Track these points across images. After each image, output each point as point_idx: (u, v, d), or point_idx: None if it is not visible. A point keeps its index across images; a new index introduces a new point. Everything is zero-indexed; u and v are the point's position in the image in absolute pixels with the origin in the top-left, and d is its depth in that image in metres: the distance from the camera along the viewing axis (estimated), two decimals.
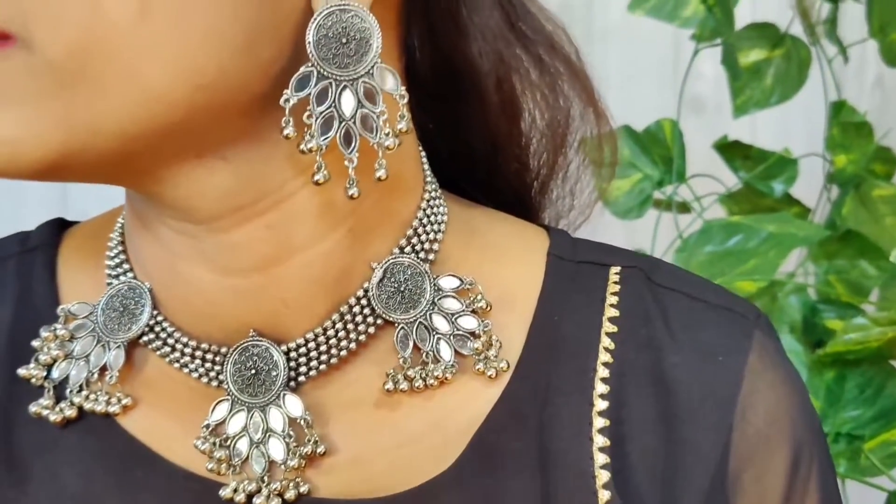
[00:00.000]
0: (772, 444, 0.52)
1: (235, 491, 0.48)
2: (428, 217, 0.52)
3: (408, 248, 0.51)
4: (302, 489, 0.49)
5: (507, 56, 0.56)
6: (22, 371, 0.51)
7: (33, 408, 0.51)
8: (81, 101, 0.42)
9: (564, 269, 0.55)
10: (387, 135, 0.45)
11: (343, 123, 0.44)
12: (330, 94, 0.44)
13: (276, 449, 0.49)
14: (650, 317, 0.53)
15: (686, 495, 0.50)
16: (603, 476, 0.49)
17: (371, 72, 0.45)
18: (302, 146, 0.44)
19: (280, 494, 0.48)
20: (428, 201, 0.52)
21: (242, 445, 0.49)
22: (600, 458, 0.50)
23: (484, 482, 0.49)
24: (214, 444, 0.49)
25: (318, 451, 0.49)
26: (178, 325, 0.51)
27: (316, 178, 0.45)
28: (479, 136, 0.58)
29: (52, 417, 0.50)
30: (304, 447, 0.49)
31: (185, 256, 0.49)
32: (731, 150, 1.03)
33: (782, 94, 1.03)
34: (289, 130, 0.44)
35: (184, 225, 0.48)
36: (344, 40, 0.44)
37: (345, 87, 0.45)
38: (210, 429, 0.49)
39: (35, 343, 0.52)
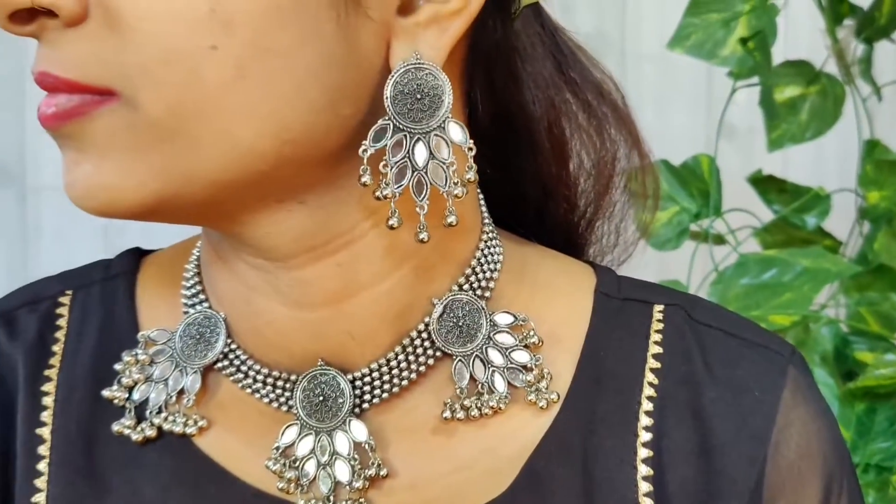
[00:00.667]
0: (804, 476, 0.55)
1: None
2: (485, 256, 0.56)
3: (466, 286, 0.55)
4: None
5: (558, 101, 0.59)
6: (106, 392, 0.55)
7: (116, 427, 0.55)
8: (178, 154, 0.46)
9: (610, 306, 0.58)
10: (455, 184, 0.49)
11: (416, 173, 0.48)
12: (404, 146, 0.48)
13: (342, 471, 0.52)
14: (690, 353, 0.56)
15: None
16: (646, 502, 0.53)
17: (442, 125, 0.49)
18: (378, 193, 0.48)
19: None
20: (486, 241, 0.56)
21: (310, 467, 0.53)
22: (644, 487, 0.53)
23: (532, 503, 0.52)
24: (284, 465, 0.53)
25: (381, 473, 0.52)
26: (251, 353, 0.54)
27: (390, 222, 0.48)
28: (531, 179, 0.61)
29: (134, 437, 0.54)
30: (369, 469, 0.52)
31: (259, 290, 0.53)
32: (765, 184, 1.06)
33: (816, 130, 1.05)
34: (366, 178, 0.48)
35: (260, 261, 0.52)
36: (418, 96, 0.48)
37: (418, 139, 0.49)
38: (280, 451, 0.53)
39: (117, 367, 0.56)
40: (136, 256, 0.61)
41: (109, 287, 0.60)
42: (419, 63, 0.48)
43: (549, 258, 0.60)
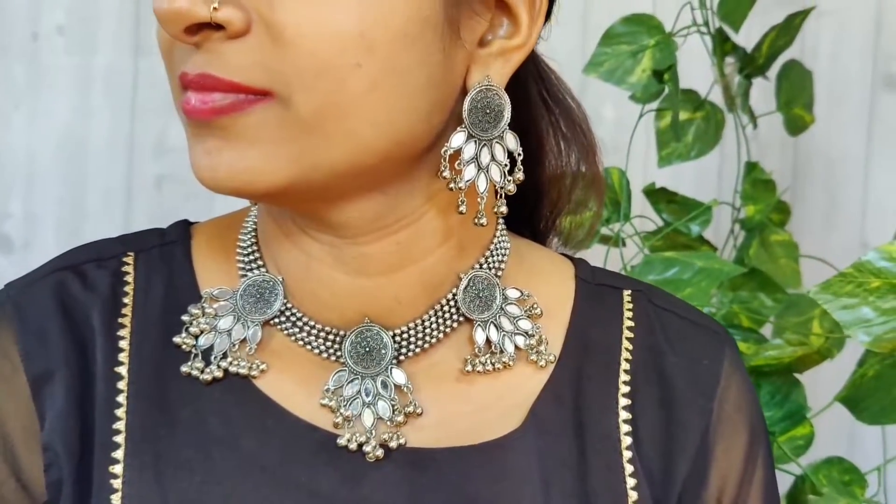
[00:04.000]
0: (737, 426, 0.70)
1: (349, 440, 0.62)
2: (500, 243, 0.68)
3: (485, 265, 0.67)
4: (401, 441, 0.63)
5: (539, 119, 0.72)
6: (177, 339, 0.65)
7: (184, 368, 0.64)
8: (313, 146, 0.56)
9: (588, 289, 0.72)
10: (508, 181, 0.62)
11: (480, 171, 0.61)
12: (474, 149, 0.61)
13: (384, 408, 0.64)
14: (654, 328, 0.71)
15: (680, 460, 0.67)
16: (626, 440, 0.66)
17: (502, 135, 0.61)
18: (452, 185, 0.60)
19: (384, 444, 0.63)
20: (500, 231, 0.69)
21: (356, 406, 0.64)
22: (624, 427, 0.66)
23: (537, 442, 0.65)
24: (337, 402, 0.63)
25: (417, 411, 0.64)
26: (305, 312, 0.65)
27: (461, 209, 0.61)
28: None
29: (202, 377, 0.64)
30: (408, 407, 0.64)
31: (321, 260, 0.64)
32: (657, 195, 1.22)
33: (700, 150, 1.22)
34: (447, 173, 0.60)
35: (329, 237, 0.63)
36: (487, 111, 0.61)
37: (484, 144, 0.61)
38: (331, 391, 0.64)
39: (185, 318, 0.65)
40: (187, 227, 0.71)
41: (167, 251, 0.69)
42: (489, 85, 0.61)
43: (536, 248, 0.74)
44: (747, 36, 1.23)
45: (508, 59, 0.61)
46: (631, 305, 0.71)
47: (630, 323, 0.70)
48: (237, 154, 0.56)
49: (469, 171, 0.61)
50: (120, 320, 0.65)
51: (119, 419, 0.62)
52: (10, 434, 0.63)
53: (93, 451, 0.62)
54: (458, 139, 0.60)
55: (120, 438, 0.62)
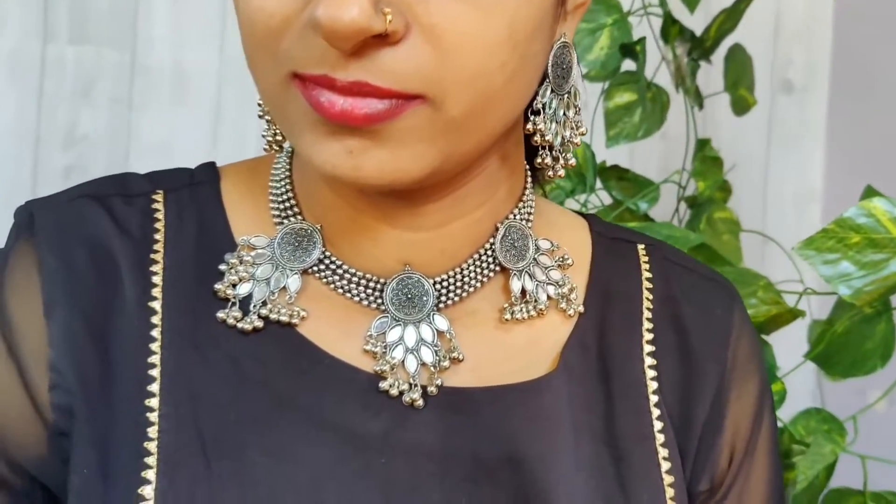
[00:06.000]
0: (748, 375, 0.73)
1: (391, 385, 0.63)
2: (529, 194, 0.70)
3: (518, 217, 0.68)
4: (438, 382, 0.64)
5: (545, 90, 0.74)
6: (218, 285, 0.64)
7: (220, 314, 0.63)
8: (454, 142, 0.57)
9: (605, 242, 0.74)
10: (575, 135, 0.65)
11: (557, 125, 0.63)
12: (555, 103, 0.63)
13: (427, 354, 0.64)
14: (669, 280, 0.73)
15: (699, 406, 0.70)
16: (652, 385, 0.69)
17: (569, 90, 0.64)
18: (537, 138, 0.63)
19: (424, 388, 0.63)
20: (528, 185, 0.70)
21: (398, 351, 0.64)
22: (650, 373, 0.69)
23: (567, 386, 0.67)
24: (381, 348, 0.64)
25: (460, 357, 0.65)
26: (344, 260, 0.65)
27: (570, 161, 0.65)
28: None
29: (243, 326, 0.63)
30: (453, 352, 0.65)
31: (368, 213, 0.64)
32: (608, 173, 1.25)
33: (647, 130, 1.25)
34: (529, 125, 0.63)
35: (383, 197, 0.63)
36: (563, 67, 0.63)
37: (561, 97, 0.63)
38: (373, 337, 0.64)
39: (222, 267, 0.65)
40: (214, 168, 0.70)
41: (197, 191, 0.68)
42: (564, 41, 0.62)
43: (549, 202, 0.76)
44: (688, 20, 1.28)
45: (575, 16, 0.63)
46: (647, 258, 0.74)
47: (648, 274, 0.73)
48: (388, 154, 0.55)
49: (551, 126, 0.63)
50: (152, 256, 0.65)
51: (154, 353, 0.62)
52: (23, 353, 0.62)
53: (113, 385, 0.61)
54: (546, 95, 0.62)
55: (155, 372, 0.61)
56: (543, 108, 0.63)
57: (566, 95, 0.64)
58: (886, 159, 1.61)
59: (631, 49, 1.09)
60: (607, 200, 1.27)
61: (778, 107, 1.73)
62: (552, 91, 0.63)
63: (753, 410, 0.73)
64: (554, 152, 0.65)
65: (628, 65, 1.24)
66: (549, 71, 0.62)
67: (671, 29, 1.21)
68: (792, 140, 1.73)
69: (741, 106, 1.28)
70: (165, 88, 1.59)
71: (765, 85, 1.66)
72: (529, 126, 0.63)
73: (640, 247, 0.75)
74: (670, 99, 1.25)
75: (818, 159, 1.74)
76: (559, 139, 0.64)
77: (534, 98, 0.63)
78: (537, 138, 0.63)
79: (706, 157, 1.22)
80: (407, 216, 0.64)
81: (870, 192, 0.93)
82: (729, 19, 1.20)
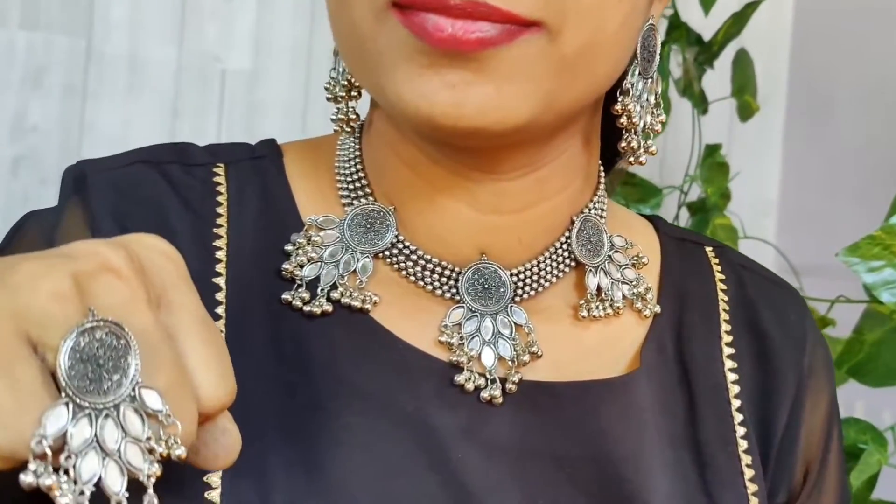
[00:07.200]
0: (822, 383, 0.70)
1: (467, 379, 0.59)
2: (602, 190, 0.67)
3: (594, 211, 0.65)
4: (516, 380, 0.60)
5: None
6: (287, 265, 0.60)
7: (286, 296, 0.59)
8: (560, 86, 0.52)
9: (672, 243, 0.71)
10: (657, 121, 0.62)
11: (643, 108, 0.60)
12: (640, 85, 0.60)
13: (504, 348, 0.60)
14: (743, 283, 0.71)
15: (779, 412, 0.67)
16: (734, 389, 0.66)
17: (653, 76, 0.61)
18: (623, 119, 0.60)
19: (503, 384, 0.59)
20: (602, 179, 0.67)
21: (475, 343, 0.60)
22: (731, 376, 0.66)
23: (648, 386, 0.63)
24: (458, 339, 0.60)
25: (538, 352, 0.61)
26: (418, 245, 0.61)
27: (651, 149, 0.61)
28: None
29: (311, 310, 0.59)
30: (532, 347, 0.61)
31: (449, 193, 0.60)
32: (614, 176, 1.23)
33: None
34: (618, 106, 0.59)
35: (468, 171, 0.59)
36: (650, 49, 0.60)
37: (646, 81, 0.60)
38: (449, 328, 0.60)
39: (288, 247, 0.61)
40: (276, 145, 0.66)
41: (258, 165, 0.64)
42: (652, 24, 0.59)
43: (614, 204, 0.73)
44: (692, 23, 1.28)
45: (661, 2, 0.61)
46: (717, 260, 0.71)
47: (721, 276, 0.70)
48: (493, 90, 0.50)
49: (638, 109, 0.60)
50: (215, 230, 0.61)
51: (220, 330, 0.57)
52: None
53: None
54: (634, 76, 0.59)
55: None
56: (630, 90, 0.60)
57: (649, 80, 0.61)
58: (842, 174, 1.64)
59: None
60: None
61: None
62: (639, 73, 0.60)
63: (825, 422, 0.70)
64: (638, 137, 0.62)
65: None
66: (638, 52, 0.59)
67: (676, 32, 1.19)
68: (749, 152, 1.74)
69: (746, 112, 1.27)
70: (122, 78, 1.51)
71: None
72: (618, 107, 0.60)
73: (708, 249, 0.72)
74: (671, 104, 1.24)
75: (775, 172, 1.75)
76: (642, 124, 0.61)
77: (622, 78, 0.60)
78: (623, 120, 0.60)
79: (714, 163, 1.21)
80: (489, 195, 0.60)
81: None
82: (735, 24, 1.19)
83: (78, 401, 0.37)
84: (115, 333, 0.38)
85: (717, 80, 1.30)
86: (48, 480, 0.36)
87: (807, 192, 1.68)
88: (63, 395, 0.37)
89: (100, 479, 0.37)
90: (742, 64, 1.26)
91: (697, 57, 1.22)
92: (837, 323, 1.02)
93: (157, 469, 0.38)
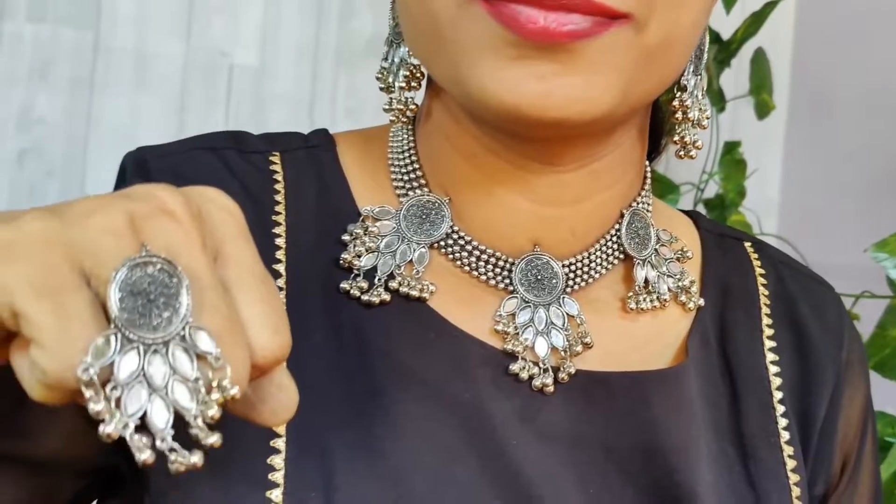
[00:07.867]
0: (859, 377, 0.71)
1: (522, 369, 0.60)
2: (649, 185, 0.68)
3: (642, 205, 0.66)
4: (570, 370, 0.61)
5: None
6: (346, 255, 0.61)
7: (344, 284, 0.60)
8: (641, 77, 0.53)
9: (713, 238, 0.72)
10: (703, 117, 0.62)
11: (695, 103, 0.62)
12: (693, 82, 0.62)
13: (557, 338, 0.61)
14: (782, 278, 0.72)
15: (818, 404, 0.68)
16: (776, 381, 0.67)
17: (701, 74, 0.62)
18: (678, 114, 0.61)
19: (555, 373, 0.60)
20: (649, 175, 0.68)
21: (529, 333, 0.61)
22: (773, 369, 0.67)
23: (695, 379, 0.64)
24: (513, 329, 0.60)
25: (590, 343, 0.62)
26: (473, 236, 0.62)
27: (697, 143, 0.62)
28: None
29: (369, 299, 0.60)
30: (584, 337, 0.62)
31: (506, 185, 0.61)
32: None
33: None
34: (676, 102, 0.61)
35: (526, 162, 0.60)
36: (700, 47, 0.62)
37: (698, 78, 0.62)
38: (504, 317, 0.61)
39: (345, 237, 0.62)
40: (329, 134, 0.67)
41: (313, 154, 0.65)
42: (707, 25, 0.61)
43: (656, 199, 0.73)
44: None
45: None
46: (756, 256, 0.72)
47: (761, 271, 0.71)
48: (581, 80, 0.51)
49: (693, 103, 0.61)
50: (274, 217, 0.61)
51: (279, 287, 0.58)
52: None
53: None
54: (689, 72, 0.61)
55: None
56: (686, 86, 0.62)
57: (699, 78, 0.62)
58: (842, 174, 1.65)
59: None
60: None
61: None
62: (695, 71, 0.61)
63: (861, 415, 0.71)
64: (691, 131, 0.63)
65: None
66: (699, 52, 0.61)
67: None
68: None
69: (763, 110, 1.28)
70: (129, 71, 1.51)
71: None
72: (675, 102, 0.61)
73: (748, 244, 0.73)
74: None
75: (776, 172, 1.76)
76: (694, 118, 0.62)
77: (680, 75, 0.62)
78: (679, 115, 0.62)
79: (732, 160, 1.21)
80: (546, 187, 0.60)
81: None
82: (754, 23, 1.20)
83: (127, 333, 0.36)
84: (168, 271, 0.37)
85: (723, 79, 1.31)
86: (98, 405, 0.35)
87: (808, 192, 1.69)
88: (112, 326, 0.36)
89: (145, 413, 0.36)
90: (759, 63, 1.26)
91: (717, 55, 1.23)
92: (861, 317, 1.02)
93: (216, 411, 0.37)
